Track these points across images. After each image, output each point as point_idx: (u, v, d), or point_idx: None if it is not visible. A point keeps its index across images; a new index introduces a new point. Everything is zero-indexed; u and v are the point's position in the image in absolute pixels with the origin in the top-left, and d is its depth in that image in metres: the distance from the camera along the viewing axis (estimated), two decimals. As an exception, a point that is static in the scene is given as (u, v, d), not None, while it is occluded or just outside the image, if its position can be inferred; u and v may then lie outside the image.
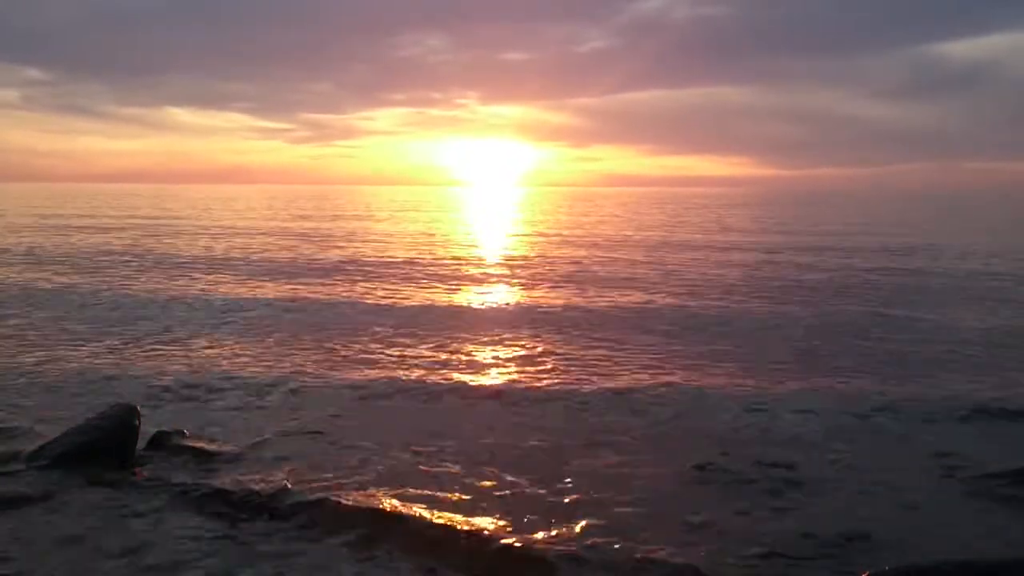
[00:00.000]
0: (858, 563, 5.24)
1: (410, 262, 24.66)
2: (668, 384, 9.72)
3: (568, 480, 6.62)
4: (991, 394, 9.38)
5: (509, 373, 10.39)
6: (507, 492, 6.38)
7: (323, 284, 19.19)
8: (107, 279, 19.63)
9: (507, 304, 16.68)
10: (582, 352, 11.48)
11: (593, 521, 5.83)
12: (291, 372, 10.34)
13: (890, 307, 15.96)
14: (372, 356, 11.28)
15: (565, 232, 39.97)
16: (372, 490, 6.34)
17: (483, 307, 16.40)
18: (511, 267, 23.27)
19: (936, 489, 6.55)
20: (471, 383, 9.89)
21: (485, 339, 12.50)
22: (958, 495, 6.44)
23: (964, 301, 16.75)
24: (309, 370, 10.44)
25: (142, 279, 19.76)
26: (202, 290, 17.95)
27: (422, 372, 10.36)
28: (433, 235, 38.00)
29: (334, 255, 26.67)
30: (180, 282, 19.23)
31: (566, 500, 6.23)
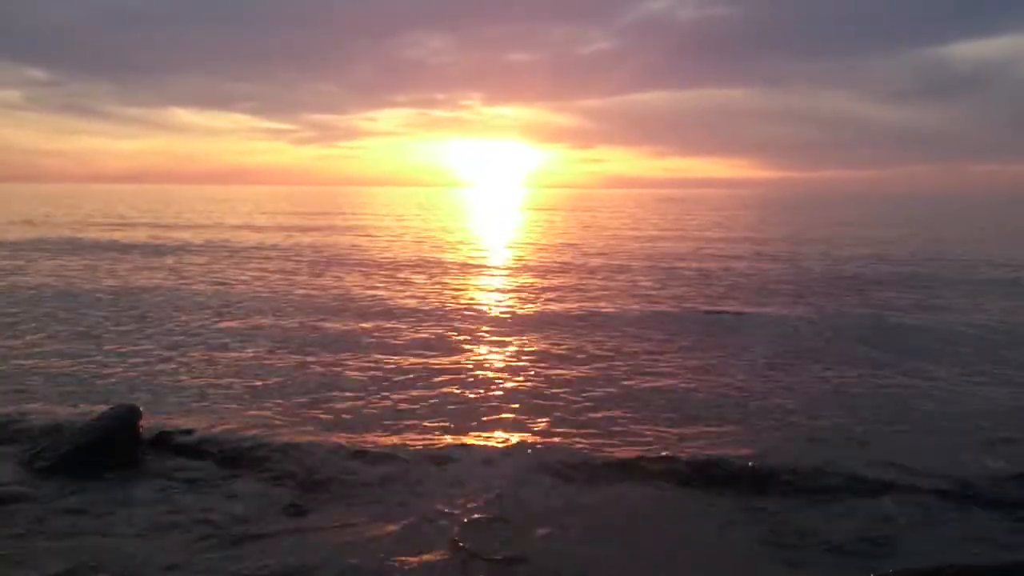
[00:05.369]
0: (862, 565, 5.24)
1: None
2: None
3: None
4: (999, 400, 9.37)
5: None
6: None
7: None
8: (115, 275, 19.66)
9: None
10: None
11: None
12: (301, 373, 10.38)
13: (897, 309, 15.93)
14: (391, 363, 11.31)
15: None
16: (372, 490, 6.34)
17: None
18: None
19: (938, 493, 6.51)
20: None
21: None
22: (962, 498, 6.41)
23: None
24: (319, 369, 10.46)
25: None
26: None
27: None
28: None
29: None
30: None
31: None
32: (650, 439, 7.74)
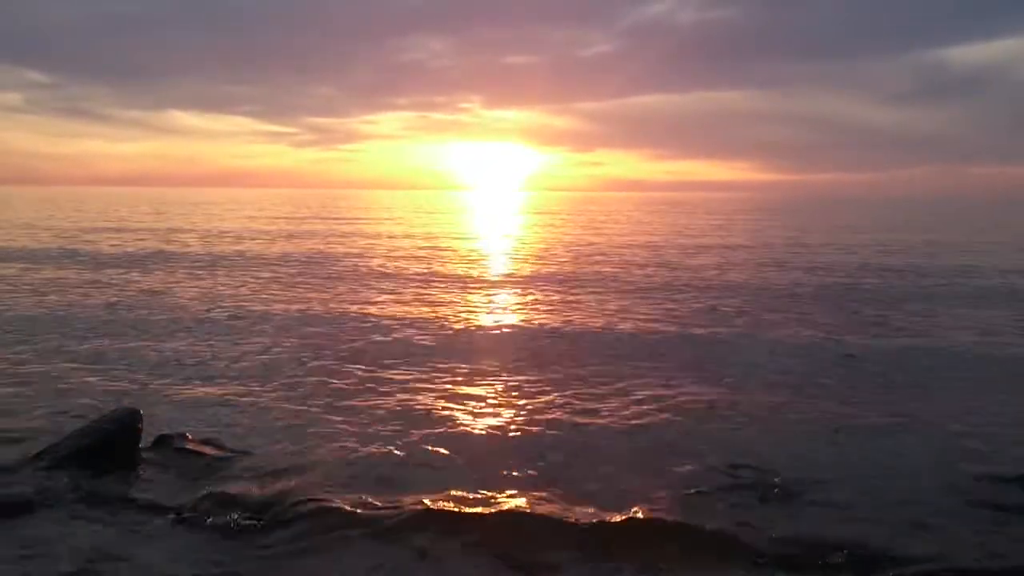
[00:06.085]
0: (861, 569, 5.26)
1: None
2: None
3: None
4: (1000, 405, 9.40)
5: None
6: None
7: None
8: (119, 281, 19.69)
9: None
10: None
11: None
12: (300, 372, 10.40)
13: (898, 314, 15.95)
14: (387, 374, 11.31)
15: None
16: (368, 493, 6.35)
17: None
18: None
19: (935, 496, 6.53)
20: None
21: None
22: (961, 502, 6.42)
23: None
24: (318, 368, 10.48)
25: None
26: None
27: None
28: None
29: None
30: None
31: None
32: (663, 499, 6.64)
